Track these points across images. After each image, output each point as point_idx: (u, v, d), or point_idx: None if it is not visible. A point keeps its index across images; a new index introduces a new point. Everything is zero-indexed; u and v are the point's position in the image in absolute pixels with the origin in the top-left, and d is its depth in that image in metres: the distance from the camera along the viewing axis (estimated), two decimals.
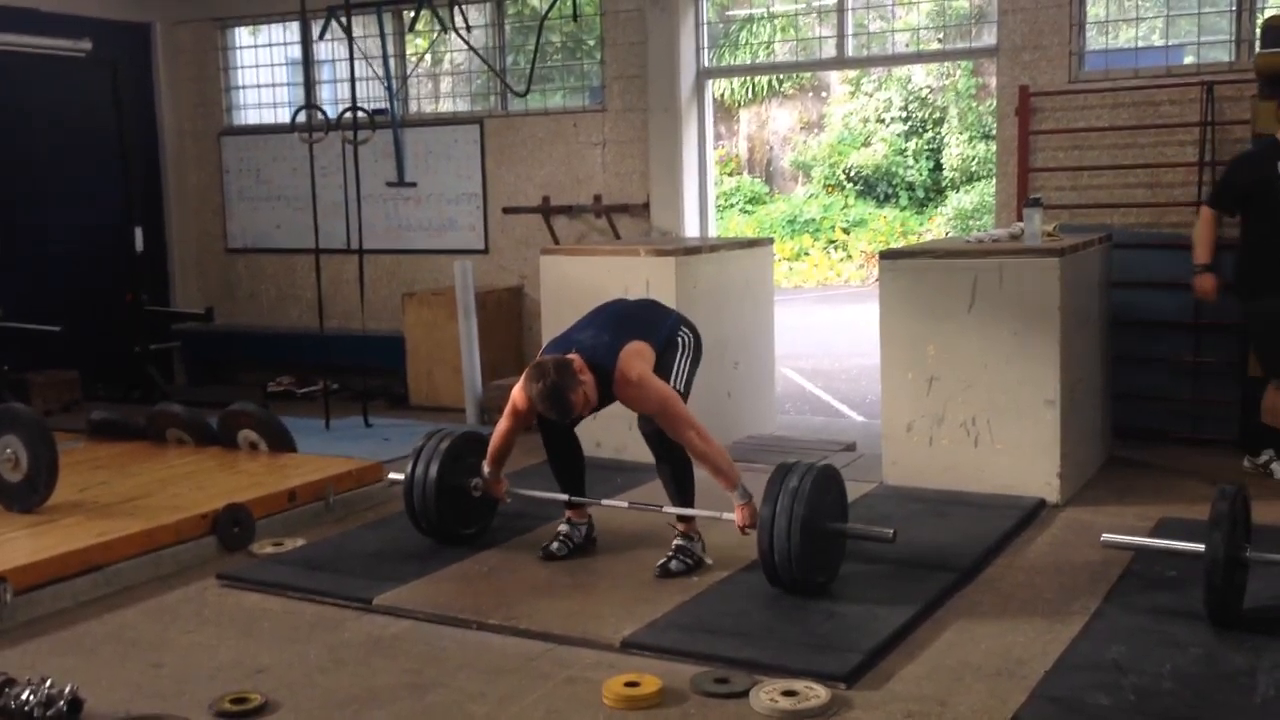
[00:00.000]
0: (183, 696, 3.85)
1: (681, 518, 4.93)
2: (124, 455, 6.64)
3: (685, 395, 4.89)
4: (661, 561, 4.83)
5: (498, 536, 5.37)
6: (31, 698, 3.63)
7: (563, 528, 5.18)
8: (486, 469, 5.14)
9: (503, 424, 5.02)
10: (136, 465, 6.40)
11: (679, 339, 5.03)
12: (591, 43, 9.17)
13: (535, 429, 5.12)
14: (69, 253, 9.48)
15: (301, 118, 8.49)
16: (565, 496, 5.15)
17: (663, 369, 4.88)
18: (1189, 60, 7.43)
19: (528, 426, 5.05)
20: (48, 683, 3.70)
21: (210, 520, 5.38)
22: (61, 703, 3.63)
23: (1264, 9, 6.95)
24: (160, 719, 3.66)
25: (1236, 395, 6.70)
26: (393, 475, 5.64)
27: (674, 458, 4.86)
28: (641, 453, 5.12)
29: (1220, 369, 6.90)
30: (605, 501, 5.24)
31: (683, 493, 4.91)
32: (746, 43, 17.56)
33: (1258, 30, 6.67)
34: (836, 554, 4.64)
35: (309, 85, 8.96)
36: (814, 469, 4.55)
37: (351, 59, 8.22)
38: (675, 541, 4.89)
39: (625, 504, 5.22)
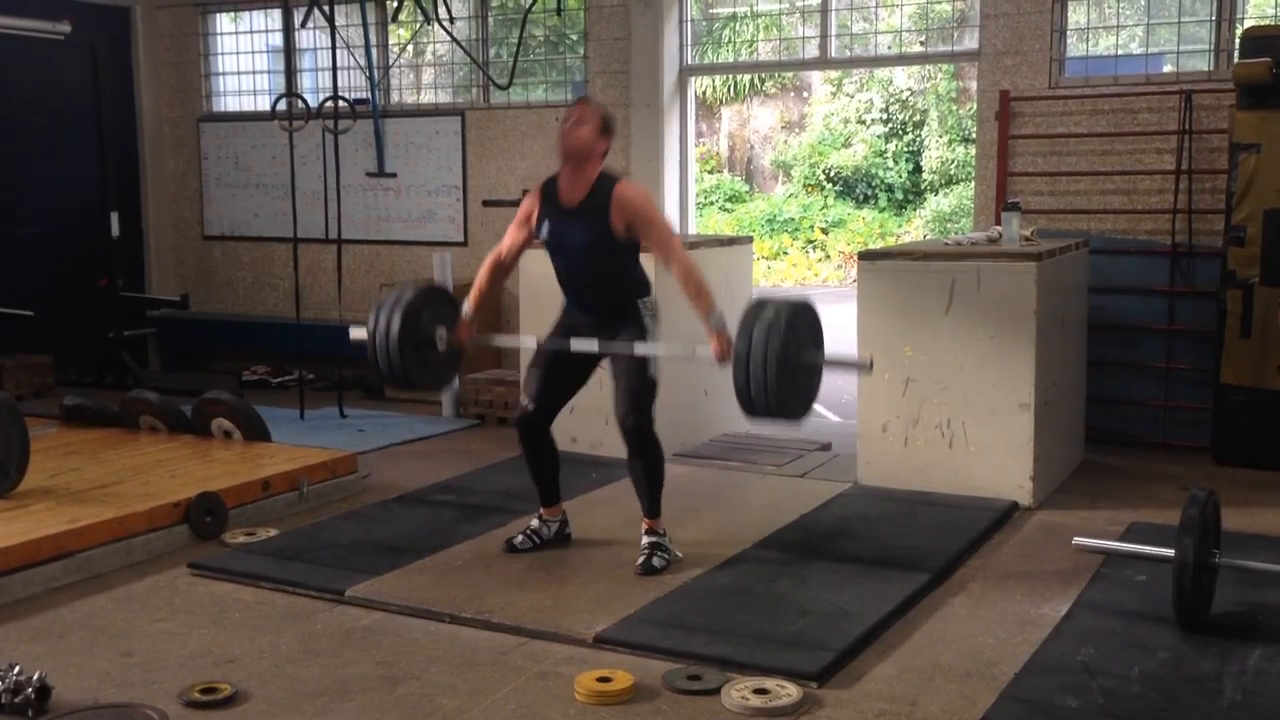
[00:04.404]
0: (152, 685, 3.84)
1: (649, 515, 4.91)
2: (96, 441, 6.60)
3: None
4: (642, 559, 4.82)
5: (471, 530, 5.37)
6: None
7: (533, 523, 5.17)
8: (467, 307, 5.00)
9: (503, 244, 5.00)
10: (109, 452, 6.36)
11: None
12: (575, 37, 9.16)
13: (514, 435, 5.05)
14: (44, 236, 9.41)
15: (282, 105, 8.46)
16: (531, 339, 5.08)
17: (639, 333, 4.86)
18: (1168, 69, 7.48)
19: (517, 254, 5.04)
20: (15, 669, 3.67)
21: (183, 508, 5.36)
22: (29, 690, 3.61)
23: (1243, 19, 7.01)
24: (129, 708, 3.64)
25: (1209, 400, 6.75)
26: (354, 330, 5.16)
27: (647, 453, 4.85)
28: (616, 448, 5.12)
29: (1193, 374, 6.96)
30: (575, 346, 4.84)
31: (653, 492, 4.90)
32: (729, 41, 17.55)
33: (1237, 40, 6.72)
34: (813, 385, 4.56)
35: (290, 73, 8.92)
36: (789, 302, 4.48)
37: (334, 48, 8.19)
38: (649, 539, 4.89)
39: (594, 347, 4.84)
